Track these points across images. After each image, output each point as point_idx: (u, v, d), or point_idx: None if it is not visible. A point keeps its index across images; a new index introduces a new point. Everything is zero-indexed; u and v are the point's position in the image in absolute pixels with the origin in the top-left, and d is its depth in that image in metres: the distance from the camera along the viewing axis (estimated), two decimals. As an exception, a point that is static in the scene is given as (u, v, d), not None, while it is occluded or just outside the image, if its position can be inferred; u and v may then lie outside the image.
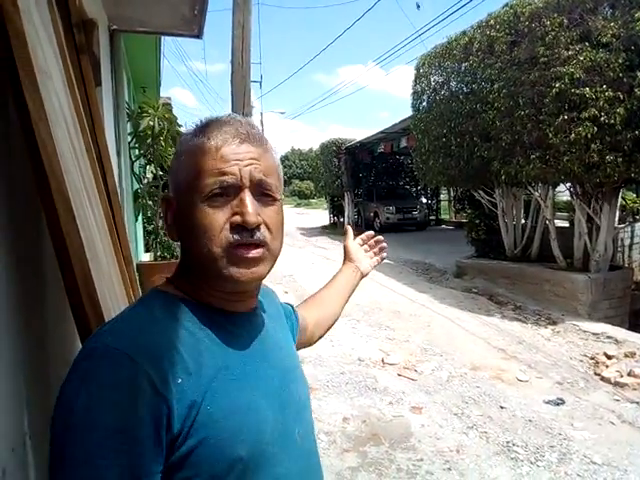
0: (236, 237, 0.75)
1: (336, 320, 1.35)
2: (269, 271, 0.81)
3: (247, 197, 0.75)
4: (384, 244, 1.47)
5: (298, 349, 1.16)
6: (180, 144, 0.83)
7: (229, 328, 0.80)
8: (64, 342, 1.33)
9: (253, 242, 0.76)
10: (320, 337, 1.31)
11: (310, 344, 1.29)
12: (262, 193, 0.78)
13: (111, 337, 0.70)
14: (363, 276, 1.41)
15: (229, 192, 0.75)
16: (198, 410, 0.69)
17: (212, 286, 0.79)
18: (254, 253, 0.76)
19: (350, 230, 1.47)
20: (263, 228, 0.77)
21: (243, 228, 0.75)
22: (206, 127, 0.80)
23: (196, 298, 0.80)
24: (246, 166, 0.76)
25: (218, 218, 0.75)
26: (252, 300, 0.87)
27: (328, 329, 1.33)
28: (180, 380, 0.68)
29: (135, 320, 0.75)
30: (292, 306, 1.18)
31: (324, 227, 20.26)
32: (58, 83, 1.33)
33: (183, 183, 0.78)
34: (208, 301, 0.80)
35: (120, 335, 0.70)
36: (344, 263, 1.41)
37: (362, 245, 1.44)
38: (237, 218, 0.75)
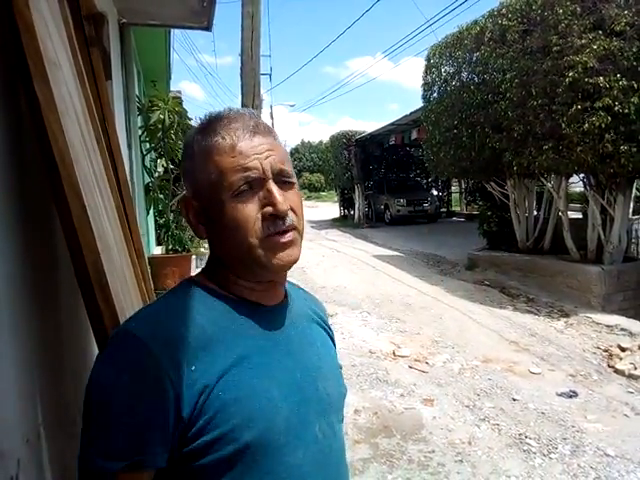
0: (272, 228, 0.79)
1: None
2: (301, 252, 0.85)
3: (273, 187, 0.79)
4: None
5: None
6: (189, 145, 0.84)
7: (253, 319, 0.83)
8: (78, 334, 1.34)
9: (287, 228, 0.80)
10: None
11: None
12: (282, 180, 0.81)
13: (134, 323, 0.77)
14: None
15: (254, 185, 0.79)
16: (209, 396, 0.73)
17: (243, 277, 0.83)
18: (288, 237, 0.80)
19: None
20: (291, 213, 0.81)
21: (276, 217, 0.79)
22: (213, 125, 0.82)
23: (224, 289, 0.84)
24: (265, 158, 0.79)
25: (249, 211, 0.78)
26: (279, 292, 0.91)
27: None
28: (194, 367, 0.73)
29: (159, 308, 0.81)
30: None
31: (334, 220, 20.24)
32: (68, 75, 1.33)
33: (205, 184, 0.80)
34: (235, 292, 0.84)
35: (141, 322, 0.77)
36: None
37: None
38: (269, 209, 0.78)
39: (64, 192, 1.00)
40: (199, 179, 0.81)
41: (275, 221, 0.79)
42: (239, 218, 0.78)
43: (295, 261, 0.83)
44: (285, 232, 0.80)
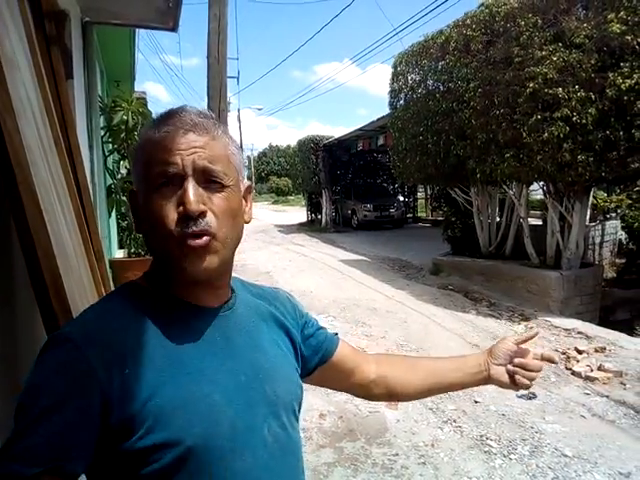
0: (182, 228, 0.75)
1: (408, 399, 1.19)
2: (224, 261, 0.81)
3: (190, 186, 0.75)
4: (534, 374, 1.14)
5: (323, 385, 1.13)
6: (139, 138, 0.85)
7: (192, 322, 0.81)
8: (33, 337, 1.30)
9: (198, 231, 0.75)
10: (374, 398, 1.15)
11: (345, 389, 1.15)
12: (208, 180, 0.78)
13: (68, 327, 0.76)
14: (484, 380, 1.15)
15: (175, 181, 0.76)
16: (146, 402, 0.71)
17: (175, 277, 0.80)
18: (199, 242, 0.76)
19: (531, 335, 1.18)
20: (209, 215, 0.77)
21: (189, 217, 0.75)
22: (159, 120, 0.81)
23: (164, 290, 0.81)
24: (189, 155, 0.76)
25: (167, 208, 0.76)
26: (220, 293, 0.86)
27: (389, 398, 1.18)
28: (128, 370, 0.71)
29: (94, 311, 0.79)
30: (337, 335, 1.10)
31: (301, 224, 20.24)
32: (26, 74, 1.30)
33: (137, 175, 0.80)
34: (175, 293, 0.81)
35: (74, 324, 0.77)
36: (481, 354, 1.16)
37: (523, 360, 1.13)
38: (181, 208, 0.75)
39: (19, 195, 0.97)
40: (135, 171, 0.81)
41: (187, 221, 0.75)
42: (157, 214, 0.76)
43: (212, 271, 0.78)
44: (198, 236, 0.75)
